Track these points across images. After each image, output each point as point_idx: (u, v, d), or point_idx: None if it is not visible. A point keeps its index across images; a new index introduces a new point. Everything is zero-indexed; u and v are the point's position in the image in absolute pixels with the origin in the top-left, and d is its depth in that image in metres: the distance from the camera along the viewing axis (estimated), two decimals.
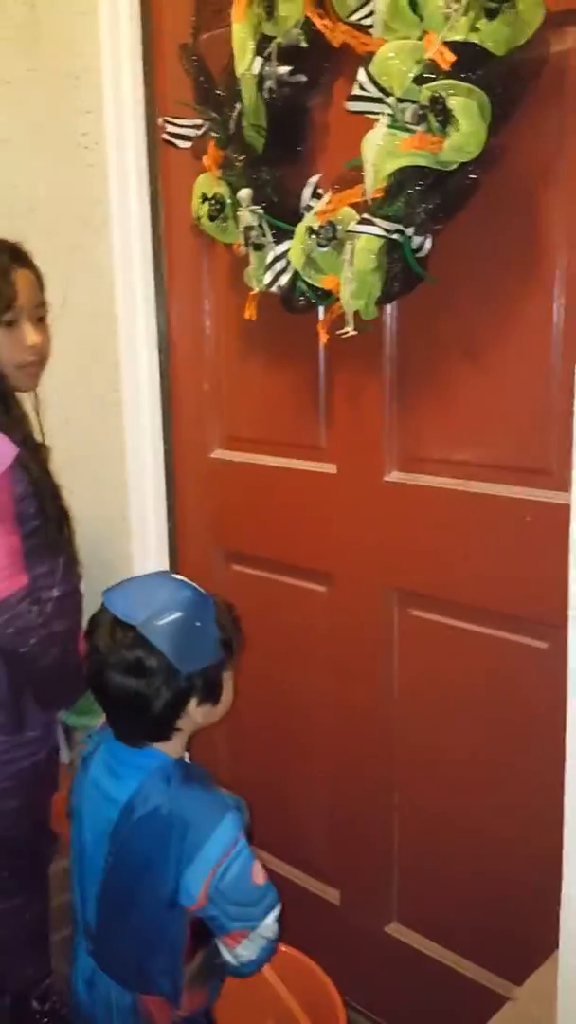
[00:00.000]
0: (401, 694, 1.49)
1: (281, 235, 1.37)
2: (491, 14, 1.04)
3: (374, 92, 1.17)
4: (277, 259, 1.37)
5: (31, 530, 1.34)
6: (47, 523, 1.36)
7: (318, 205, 1.30)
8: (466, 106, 1.07)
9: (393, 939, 1.56)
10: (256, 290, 1.44)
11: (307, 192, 1.35)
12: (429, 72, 1.09)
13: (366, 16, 1.22)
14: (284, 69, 1.31)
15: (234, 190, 1.40)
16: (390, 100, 1.14)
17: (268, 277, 1.39)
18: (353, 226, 1.22)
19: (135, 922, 1.18)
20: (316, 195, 1.34)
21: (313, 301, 1.36)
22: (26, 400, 1.42)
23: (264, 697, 1.69)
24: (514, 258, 1.23)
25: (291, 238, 1.33)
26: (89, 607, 1.30)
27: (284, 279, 1.37)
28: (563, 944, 1.06)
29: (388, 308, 1.37)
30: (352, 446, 1.48)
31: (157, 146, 1.67)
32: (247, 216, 1.38)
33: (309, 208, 1.33)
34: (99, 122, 1.70)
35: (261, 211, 1.37)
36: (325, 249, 1.28)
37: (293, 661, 1.66)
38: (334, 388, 1.50)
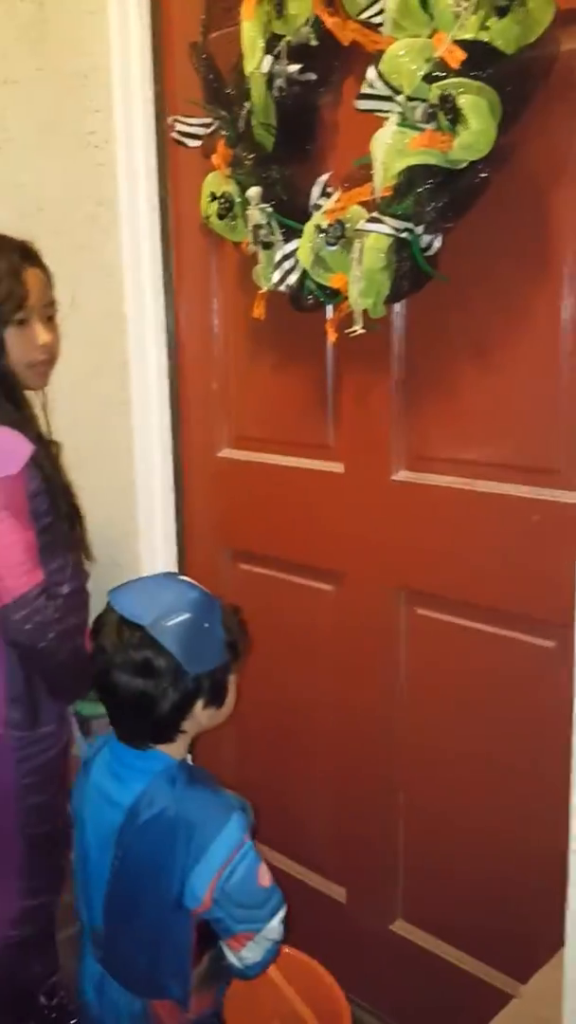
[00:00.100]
0: (408, 693, 1.49)
1: (290, 234, 1.37)
2: (501, 12, 1.04)
3: (384, 90, 1.17)
4: (286, 258, 1.37)
5: (44, 526, 1.34)
6: (59, 519, 1.37)
7: (327, 203, 1.30)
8: (476, 104, 1.07)
9: (398, 937, 1.57)
10: (265, 289, 1.44)
11: (316, 190, 1.35)
12: (439, 70, 1.09)
13: (376, 14, 1.21)
14: (294, 67, 1.31)
15: (243, 189, 1.41)
16: (400, 98, 1.14)
17: (277, 276, 1.39)
18: (362, 224, 1.22)
19: (141, 925, 1.18)
20: (325, 193, 1.34)
21: (322, 300, 1.36)
22: (35, 399, 1.42)
23: (271, 696, 1.69)
24: (523, 257, 1.23)
25: (300, 237, 1.33)
26: (96, 606, 1.30)
27: (293, 278, 1.37)
28: (569, 942, 1.06)
29: (396, 307, 1.37)
30: (360, 445, 1.48)
31: (166, 145, 1.68)
32: (256, 215, 1.38)
33: (318, 206, 1.33)
34: (108, 121, 1.70)
35: (270, 209, 1.37)
36: (334, 247, 1.28)
37: (300, 660, 1.66)
38: (342, 387, 1.50)
